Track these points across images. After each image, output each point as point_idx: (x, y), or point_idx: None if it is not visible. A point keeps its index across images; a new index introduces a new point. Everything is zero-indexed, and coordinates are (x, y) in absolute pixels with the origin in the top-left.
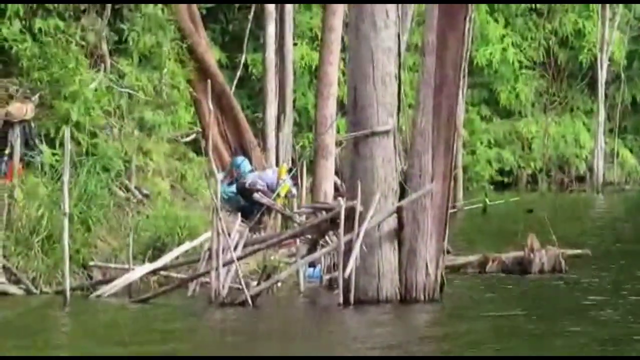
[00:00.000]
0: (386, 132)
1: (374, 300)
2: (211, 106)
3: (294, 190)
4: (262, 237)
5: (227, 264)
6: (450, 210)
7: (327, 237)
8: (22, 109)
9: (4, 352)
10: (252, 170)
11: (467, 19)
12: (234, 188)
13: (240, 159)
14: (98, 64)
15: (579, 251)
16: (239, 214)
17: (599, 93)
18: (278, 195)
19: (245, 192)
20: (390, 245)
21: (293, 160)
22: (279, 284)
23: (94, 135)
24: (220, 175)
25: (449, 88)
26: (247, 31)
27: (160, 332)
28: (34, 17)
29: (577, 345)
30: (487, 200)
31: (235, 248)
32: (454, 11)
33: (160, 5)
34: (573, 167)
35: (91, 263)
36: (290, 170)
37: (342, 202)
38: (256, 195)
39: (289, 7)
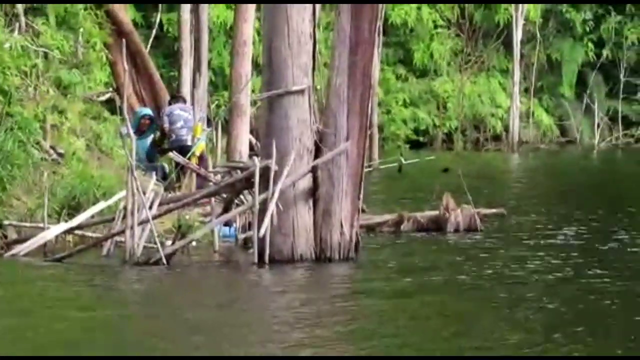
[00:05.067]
0: (301, 91)
1: (288, 259)
2: (126, 65)
3: (206, 125)
4: (177, 196)
5: (142, 223)
6: (366, 170)
7: (242, 197)
8: None
9: None
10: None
11: None
12: (147, 142)
13: (139, 111)
14: (13, 23)
15: (493, 210)
16: (154, 173)
17: (515, 52)
18: (193, 154)
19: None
20: (305, 204)
21: (208, 119)
22: (194, 243)
23: (9, 95)
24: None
25: (364, 47)
26: None
27: (74, 292)
28: None
29: (490, 296)
30: (402, 159)
31: (150, 207)
32: None
33: None
34: (489, 126)
35: (6, 222)
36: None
37: (257, 162)
38: (171, 155)
39: None
